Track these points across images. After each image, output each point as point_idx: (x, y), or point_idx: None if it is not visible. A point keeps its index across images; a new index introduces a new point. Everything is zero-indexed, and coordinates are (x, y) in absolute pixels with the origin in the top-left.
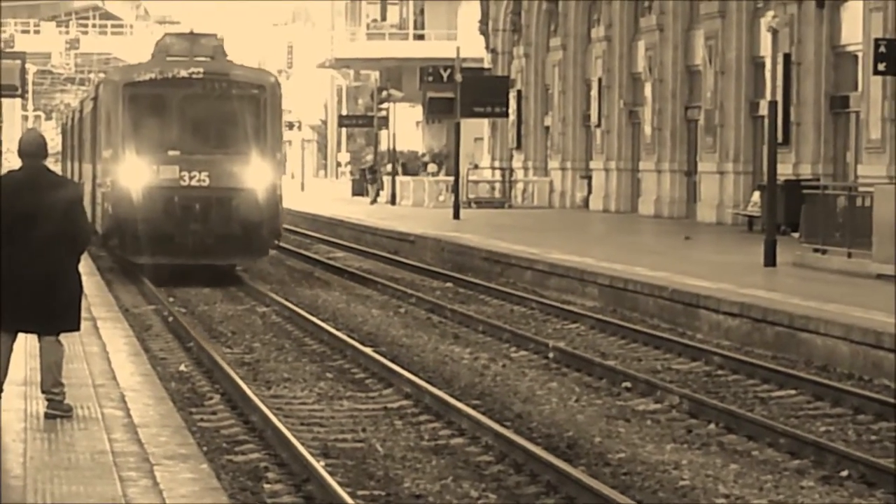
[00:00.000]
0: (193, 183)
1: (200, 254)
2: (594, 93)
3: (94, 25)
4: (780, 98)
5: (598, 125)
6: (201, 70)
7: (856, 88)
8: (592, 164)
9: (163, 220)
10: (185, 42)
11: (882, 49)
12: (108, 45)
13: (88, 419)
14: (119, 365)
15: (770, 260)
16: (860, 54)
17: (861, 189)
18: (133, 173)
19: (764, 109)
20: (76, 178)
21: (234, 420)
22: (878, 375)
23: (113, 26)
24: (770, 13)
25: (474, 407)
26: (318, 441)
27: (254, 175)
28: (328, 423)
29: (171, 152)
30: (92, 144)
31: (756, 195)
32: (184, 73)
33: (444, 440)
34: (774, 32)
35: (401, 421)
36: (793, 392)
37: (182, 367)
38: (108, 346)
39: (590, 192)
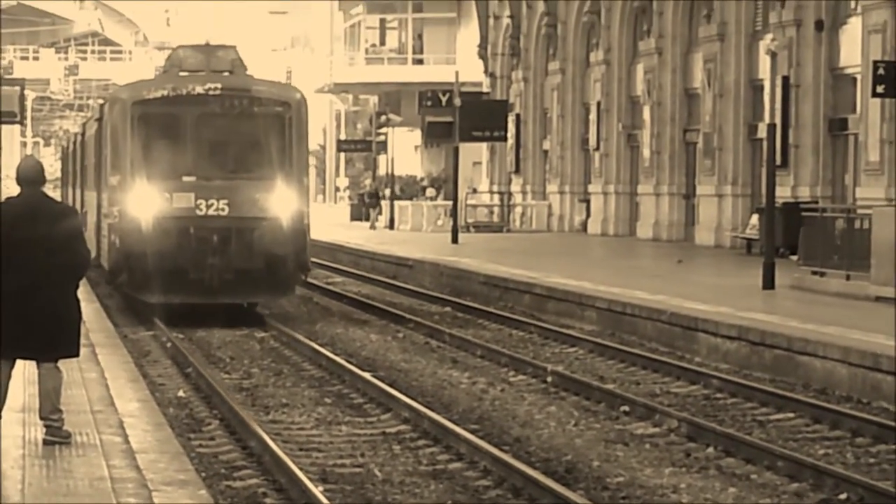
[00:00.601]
0: (211, 212)
1: (219, 291)
2: (593, 116)
3: (93, 51)
4: (778, 121)
5: (597, 148)
6: (219, 86)
7: (854, 111)
8: (591, 188)
9: (177, 254)
10: (200, 55)
11: (881, 71)
12: (108, 70)
13: (87, 445)
14: (117, 391)
15: (768, 283)
16: (859, 77)
17: (859, 211)
18: (143, 202)
19: (762, 132)
20: (78, 208)
21: (232, 446)
22: (876, 398)
23: (112, 52)
24: (769, 36)
25: (472, 431)
26: (317, 466)
27: (278, 202)
28: (327, 448)
29: (185, 178)
30: (97, 170)
31: (754, 218)
32: (199, 90)
33: (442, 465)
34: (773, 55)
35: (399, 446)
36: (791, 415)
37: (180, 393)
38: (106, 373)
39: (588, 215)
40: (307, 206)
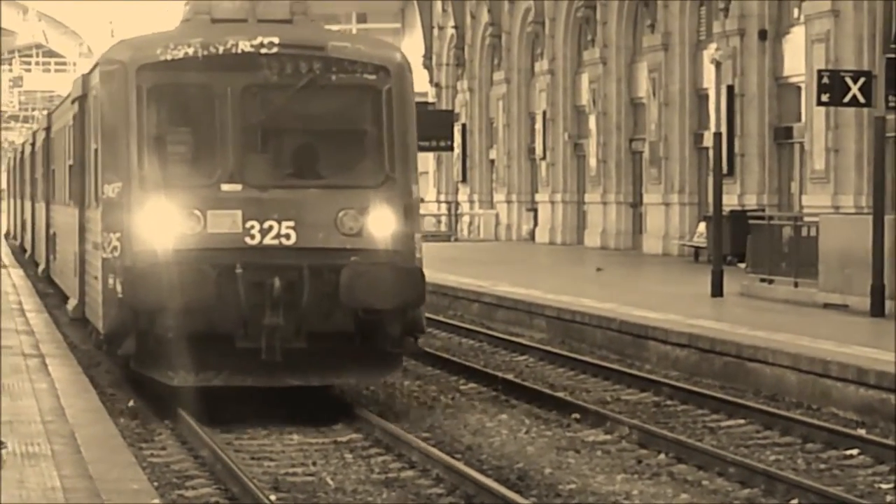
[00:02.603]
0: (269, 241)
1: (283, 369)
2: (539, 126)
3: (37, 63)
4: (724, 129)
5: (543, 158)
6: (275, 40)
7: (799, 119)
8: (538, 197)
9: (215, 310)
10: None
11: (825, 80)
12: (52, 82)
13: (39, 456)
14: (68, 401)
15: (717, 290)
16: (803, 85)
17: (806, 219)
18: (160, 225)
19: (708, 141)
20: (27, 229)
21: (184, 455)
22: (826, 404)
23: (56, 64)
24: (713, 45)
25: (424, 440)
26: (269, 475)
27: (377, 225)
28: (278, 456)
29: (227, 187)
30: (78, 176)
31: (702, 226)
32: (246, 47)
33: (394, 473)
34: (717, 64)
35: (351, 454)
36: (742, 421)
37: (131, 403)
38: (56, 383)
39: (536, 224)
40: (420, 229)
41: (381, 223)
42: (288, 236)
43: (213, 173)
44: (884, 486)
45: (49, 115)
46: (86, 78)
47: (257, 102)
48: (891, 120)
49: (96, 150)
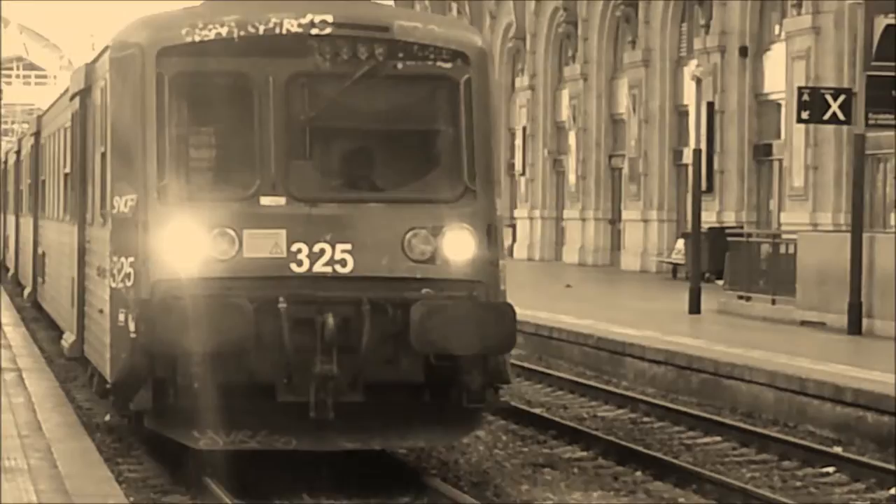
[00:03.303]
0: (320, 268)
1: (336, 429)
2: (518, 141)
3: (17, 76)
4: (703, 146)
5: (523, 174)
6: (329, 19)
7: (779, 136)
8: (517, 213)
9: (253, 355)
10: None
11: (805, 97)
12: (33, 95)
13: (15, 470)
14: (44, 416)
15: (695, 307)
16: (783, 102)
17: (784, 236)
18: (184, 248)
19: (688, 157)
20: (9, 246)
21: (160, 470)
22: (802, 422)
23: (37, 77)
24: (693, 62)
25: (401, 456)
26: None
27: (455, 247)
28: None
29: (267, 200)
30: (77, 187)
31: (680, 243)
32: (292, 27)
33: (371, 490)
34: (698, 81)
35: (328, 470)
36: (718, 439)
37: (107, 417)
38: (33, 398)
39: (514, 240)
40: (503, 251)
41: (459, 246)
42: (343, 262)
43: (251, 183)
44: (860, 503)
45: (39, 118)
46: (90, 68)
47: (305, 95)
48: (870, 137)
49: (104, 155)
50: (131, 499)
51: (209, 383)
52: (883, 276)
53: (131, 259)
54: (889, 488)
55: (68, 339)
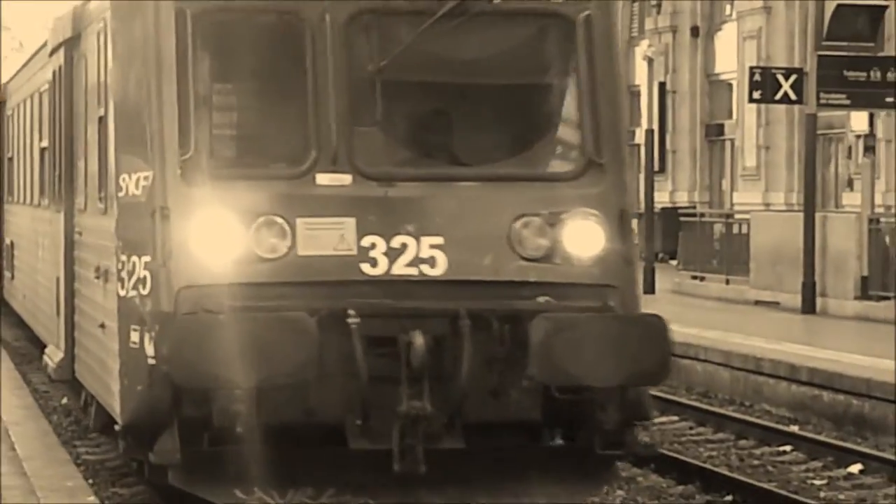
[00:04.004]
0: (401, 269)
1: (429, 484)
2: None
3: None
4: (655, 126)
5: None
6: None
7: (731, 116)
8: None
9: (315, 388)
10: None
11: (757, 77)
12: None
13: None
14: (2, 399)
15: (649, 287)
16: (734, 82)
17: (737, 216)
18: (219, 243)
19: (640, 138)
20: None
21: (117, 452)
22: (758, 401)
23: None
24: (645, 42)
25: None
26: None
27: (580, 240)
28: None
29: (326, 178)
30: (62, 164)
31: (633, 223)
32: None
33: None
34: (650, 61)
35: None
36: (675, 418)
37: (64, 400)
38: None
39: None
40: (634, 245)
41: (584, 239)
42: (432, 261)
43: (304, 156)
44: (817, 482)
45: (3, 85)
46: (81, 10)
47: (374, 39)
48: (822, 117)
49: (103, 121)
50: (90, 481)
51: (257, 426)
52: (836, 256)
53: (146, 259)
54: (846, 466)
55: (53, 356)
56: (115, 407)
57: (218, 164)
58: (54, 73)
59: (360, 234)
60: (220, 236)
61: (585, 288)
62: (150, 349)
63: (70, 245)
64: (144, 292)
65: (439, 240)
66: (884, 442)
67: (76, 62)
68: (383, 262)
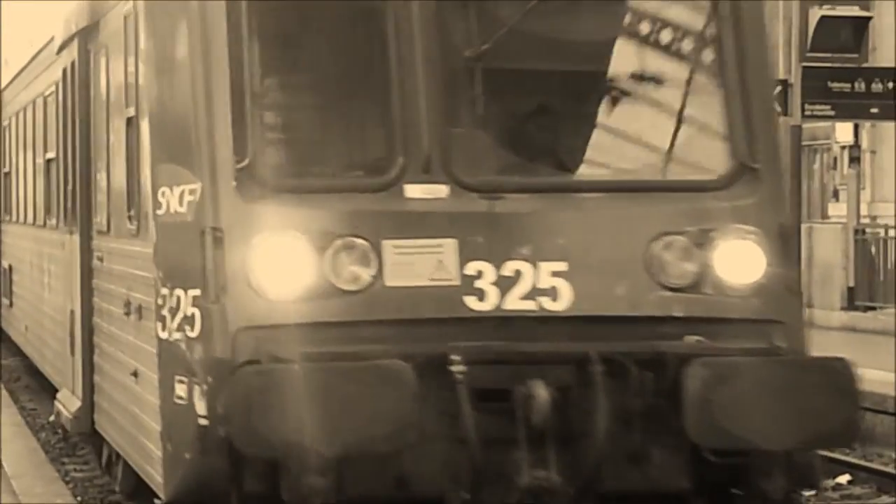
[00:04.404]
0: (516, 304)
1: None
2: None
3: None
4: None
5: None
6: None
7: None
8: None
9: (413, 454)
10: None
11: None
12: None
13: None
14: None
15: None
16: None
17: None
18: (284, 273)
19: None
20: None
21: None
22: None
23: None
24: None
25: None
26: None
27: (735, 264)
28: None
29: (416, 189)
30: (77, 178)
31: None
32: None
33: None
34: None
35: None
36: None
37: (52, 418)
38: None
39: None
40: (796, 270)
41: (741, 262)
42: (554, 293)
43: (390, 163)
44: (805, 492)
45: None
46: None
47: (472, 21)
48: (806, 128)
49: (132, 123)
50: (78, 498)
51: (341, 501)
52: (822, 267)
53: (194, 292)
54: (834, 477)
55: (69, 403)
56: (155, 476)
57: (282, 172)
58: (65, 71)
59: (464, 259)
60: (288, 263)
61: (745, 324)
62: (201, 406)
63: (87, 272)
64: (192, 334)
65: (562, 265)
66: (871, 452)
67: (94, 55)
68: (492, 295)
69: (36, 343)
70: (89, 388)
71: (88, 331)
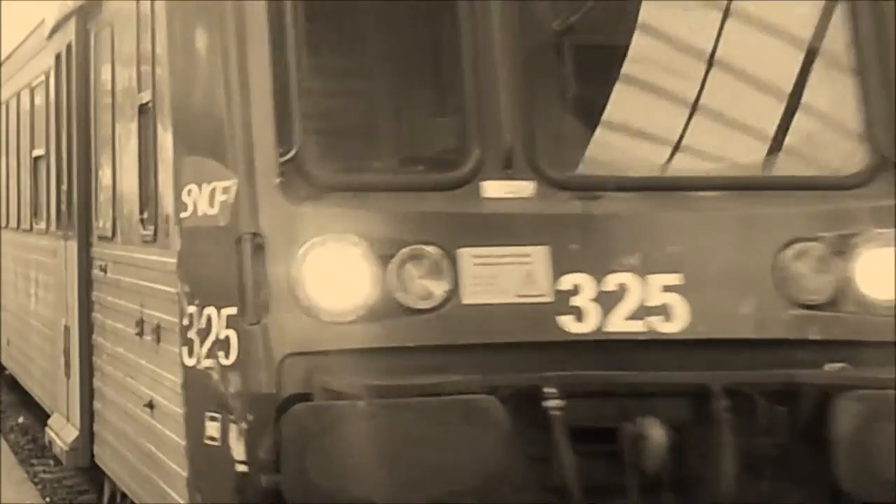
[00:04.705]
0: (620, 325)
1: None
2: None
3: None
4: None
5: None
6: None
7: None
8: None
9: None
10: None
11: None
12: None
13: None
14: None
15: None
16: None
17: None
18: (339, 288)
19: None
20: None
21: (75, 470)
22: None
23: None
24: None
25: None
26: None
27: (880, 276)
28: None
29: (496, 187)
30: (73, 175)
31: None
32: None
33: None
34: None
35: None
36: None
37: (21, 419)
38: None
39: None
40: None
41: (887, 274)
42: (667, 311)
43: (463, 156)
44: None
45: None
46: None
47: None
48: None
49: (147, 110)
50: (47, 499)
51: None
52: None
53: (229, 311)
54: None
55: (63, 432)
56: None
57: (335, 166)
58: (58, 56)
59: (557, 270)
60: (344, 276)
61: (892, 349)
62: (238, 450)
63: (86, 284)
64: (227, 362)
65: (675, 279)
66: None
67: (96, 35)
68: (593, 314)
69: (20, 358)
70: (88, 416)
71: (87, 350)
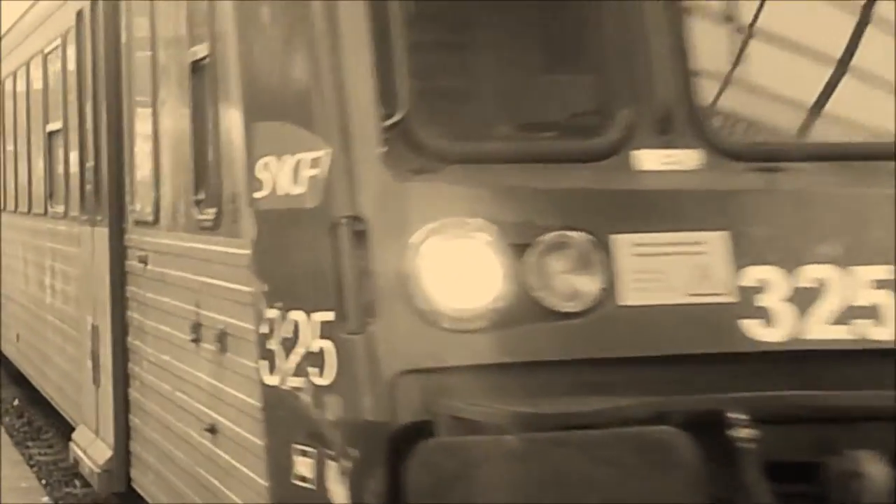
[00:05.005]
0: (820, 332)
1: None
2: None
3: None
4: None
5: None
6: None
7: None
8: None
9: None
10: None
11: None
12: None
13: None
14: None
15: None
16: None
17: None
18: (464, 287)
19: None
20: None
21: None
22: None
23: None
24: None
25: None
26: None
27: None
28: None
29: (652, 157)
30: (99, 149)
31: None
32: None
33: None
34: None
35: None
36: None
37: (16, 402)
38: None
39: None
40: None
41: None
42: (879, 314)
43: (609, 120)
44: None
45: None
46: None
47: None
48: None
49: (202, 68)
50: (43, 481)
51: None
52: None
53: (323, 316)
54: None
55: (92, 450)
56: None
57: (451, 133)
58: (80, 14)
59: (739, 262)
60: (471, 272)
61: None
62: (340, 493)
63: (119, 277)
64: (322, 381)
65: (888, 271)
66: None
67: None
68: (786, 318)
69: (32, 355)
70: (123, 434)
71: (122, 355)
